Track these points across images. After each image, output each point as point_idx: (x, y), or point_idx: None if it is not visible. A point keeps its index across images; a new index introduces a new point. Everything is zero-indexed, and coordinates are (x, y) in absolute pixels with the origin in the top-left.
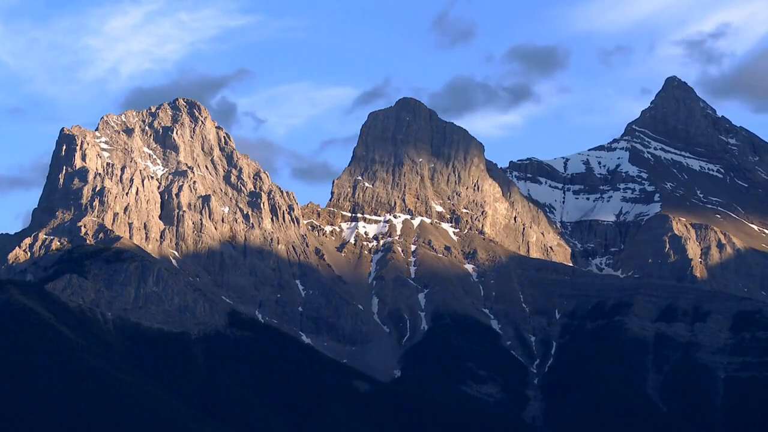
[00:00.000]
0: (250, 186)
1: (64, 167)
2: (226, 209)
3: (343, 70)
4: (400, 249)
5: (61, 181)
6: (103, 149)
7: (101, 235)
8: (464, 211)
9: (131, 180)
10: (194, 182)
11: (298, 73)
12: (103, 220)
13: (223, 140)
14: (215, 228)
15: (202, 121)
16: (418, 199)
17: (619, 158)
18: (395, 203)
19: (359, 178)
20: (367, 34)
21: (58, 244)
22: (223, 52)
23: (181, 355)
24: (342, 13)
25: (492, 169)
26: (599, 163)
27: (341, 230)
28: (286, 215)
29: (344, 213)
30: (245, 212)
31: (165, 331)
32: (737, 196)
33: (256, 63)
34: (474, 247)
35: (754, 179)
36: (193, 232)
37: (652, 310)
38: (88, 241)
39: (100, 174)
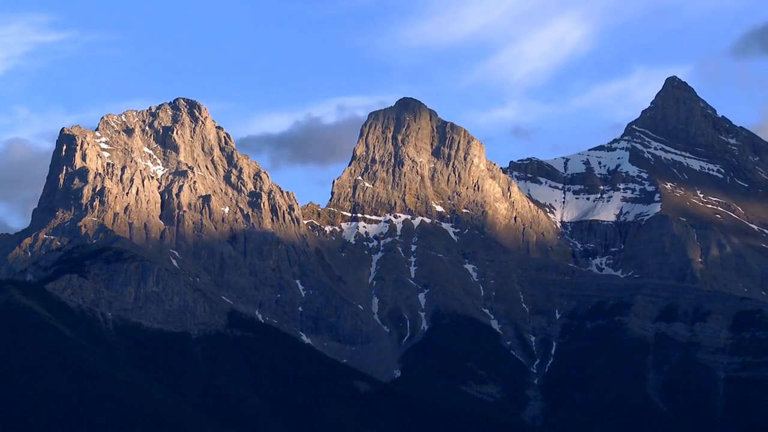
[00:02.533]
0: (250, 186)
1: (65, 167)
2: (226, 209)
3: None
4: (400, 249)
5: (61, 181)
6: (103, 149)
7: (101, 235)
8: (464, 211)
9: (131, 180)
10: (194, 182)
11: (121, 90)
12: (103, 220)
13: (223, 140)
14: (215, 228)
15: (202, 121)
16: (418, 199)
17: (619, 158)
18: (395, 203)
19: (359, 178)
20: (183, 47)
21: (58, 244)
22: (40, 69)
23: (181, 355)
24: (157, 26)
25: (492, 169)
26: (599, 163)
27: (341, 230)
28: (286, 215)
29: (344, 213)
30: (245, 212)
31: (165, 331)
32: (737, 196)
33: (78, 79)
34: (474, 247)
35: (754, 179)
36: (193, 232)
37: (652, 310)
38: (88, 241)
39: (100, 174)
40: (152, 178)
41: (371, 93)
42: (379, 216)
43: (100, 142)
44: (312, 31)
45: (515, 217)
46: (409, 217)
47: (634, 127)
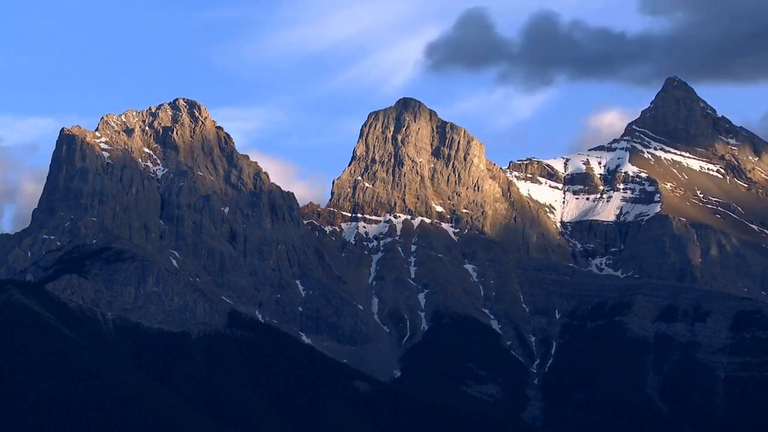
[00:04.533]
0: (250, 186)
1: (64, 167)
2: (226, 209)
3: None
4: (400, 249)
5: (61, 181)
6: (103, 149)
7: (101, 235)
8: (464, 211)
9: (131, 180)
10: (194, 182)
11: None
12: (103, 220)
13: (223, 140)
14: (215, 228)
15: (202, 121)
16: (418, 199)
17: (619, 158)
18: (395, 203)
19: (359, 178)
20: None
21: (58, 244)
22: None
23: (181, 355)
24: (31, 33)
25: (492, 169)
26: (599, 163)
27: (341, 230)
28: (286, 215)
29: (344, 213)
30: (245, 212)
31: (165, 331)
32: (737, 196)
33: None
34: (474, 247)
35: (754, 179)
36: (193, 232)
37: (652, 310)
38: (88, 241)
39: (100, 174)
40: (152, 178)
41: (238, 104)
42: (379, 216)
43: (100, 142)
44: (172, 41)
45: (515, 217)
46: (409, 217)
47: (634, 127)
